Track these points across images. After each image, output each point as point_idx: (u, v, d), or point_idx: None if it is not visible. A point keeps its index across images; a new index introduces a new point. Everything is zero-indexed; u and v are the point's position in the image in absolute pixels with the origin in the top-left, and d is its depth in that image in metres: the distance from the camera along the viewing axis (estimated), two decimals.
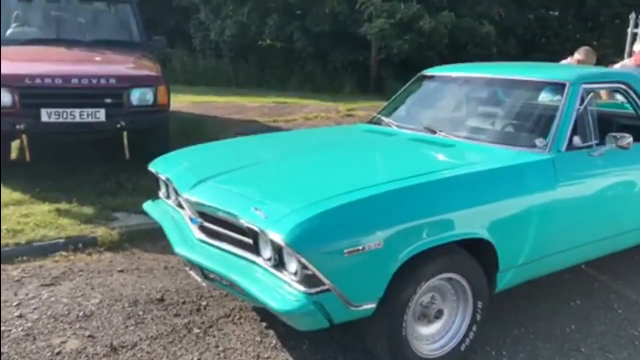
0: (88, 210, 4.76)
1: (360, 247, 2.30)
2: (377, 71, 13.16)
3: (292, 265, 2.32)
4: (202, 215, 2.85)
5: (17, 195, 4.99)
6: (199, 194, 2.85)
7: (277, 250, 2.36)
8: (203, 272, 2.77)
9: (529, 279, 3.18)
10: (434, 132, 3.51)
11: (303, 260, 2.23)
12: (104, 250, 4.20)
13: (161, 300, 3.45)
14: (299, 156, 3.39)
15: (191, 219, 2.95)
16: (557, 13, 14.28)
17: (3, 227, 4.25)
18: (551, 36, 14.29)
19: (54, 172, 5.58)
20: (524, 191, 2.88)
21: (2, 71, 5.43)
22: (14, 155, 5.96)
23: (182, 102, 9.53)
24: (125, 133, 5.48)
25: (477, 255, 2.74)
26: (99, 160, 6.06)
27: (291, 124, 8.39)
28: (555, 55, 12.49)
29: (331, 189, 2.56)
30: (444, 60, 12.03)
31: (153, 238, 4.26)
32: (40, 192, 5.03)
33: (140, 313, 3.28)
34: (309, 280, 2.27)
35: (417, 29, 11.94)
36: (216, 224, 2.76)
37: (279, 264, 2.39)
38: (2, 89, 5.10)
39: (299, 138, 4.28)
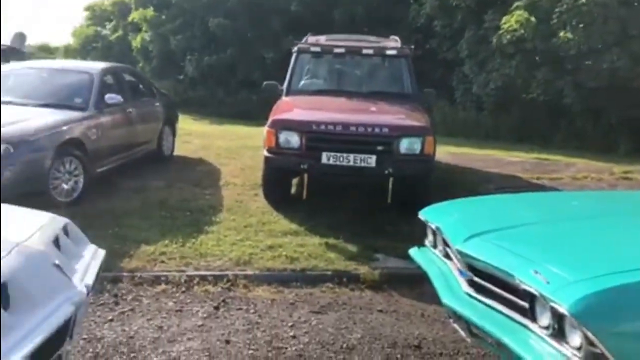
0: (352, 248, 5.10)
1: None
2: None
3: (575, 339, 2.14)
4: (472, 269, 2.82)
5: (294, 226, 5.60)
6: (472, 248, 2.83)
7: (558, 319, 2.20)
8: (469, 326, 2.73)
9: None
10: None
11: (590, 335, 2.04)
12: (365, 287, 4.44)
13: (418, 347, 3.49)
14: (578, 220, 3.13)
15: (460, 272, 2.94)
16: None
17: (283, 253, 4.81)
18: None
19: (324, 209, 6.11)
20: None
21: (294, 117, 6.26)
22: (292, 190, 6.73)
23: (440, 152, 9.65)
24: (391, 179, 5.77)
25: None
26: (363, 203, 6.46)
27: (556, 183, 7.85)
28: None
29: (621, 262, 2.33)
30: None
31: (411, 283, 4.35)
32: (313, 226, 5.56)
33: (399, 356, 3.37)
34: (595, 359, 2.06)
35: None
36: (487, 281, 2.70)
37: (558, 335, 2.23)
38: (292, 133, 5.85)
39: (576, 200, 3.98)
